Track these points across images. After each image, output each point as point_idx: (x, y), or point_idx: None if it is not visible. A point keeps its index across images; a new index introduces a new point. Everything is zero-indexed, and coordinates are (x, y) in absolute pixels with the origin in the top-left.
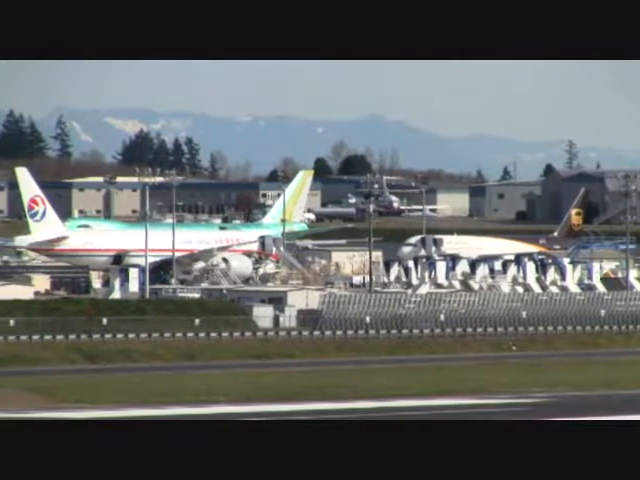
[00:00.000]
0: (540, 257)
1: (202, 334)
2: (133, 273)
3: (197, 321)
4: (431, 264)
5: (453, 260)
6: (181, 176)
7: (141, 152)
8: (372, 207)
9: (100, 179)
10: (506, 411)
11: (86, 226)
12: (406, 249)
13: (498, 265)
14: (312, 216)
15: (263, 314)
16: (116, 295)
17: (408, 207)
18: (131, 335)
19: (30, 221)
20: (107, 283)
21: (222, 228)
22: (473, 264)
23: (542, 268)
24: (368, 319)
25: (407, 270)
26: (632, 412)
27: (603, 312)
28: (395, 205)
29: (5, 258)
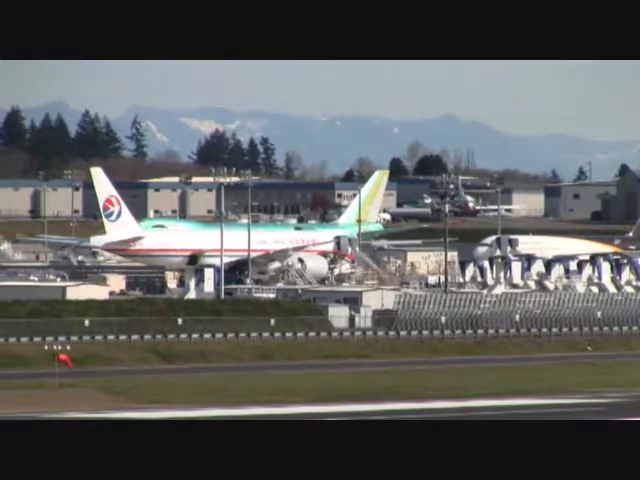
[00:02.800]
0: (615, 257)
1: (277, 334)
2: (208, 273)
3: (272, 321)
4: (506, 264)
5: (528, 260)
6: (256, 176)
7: (217, 152)
8: (447, 207)
9: (175, 179)
10: (581, 411)
11: (161, 226)
12: (481, 249)
13: (573, 265)
14: (388, 216)
15: (338, 314)
16: (191, 295)
17: (483, 207)
18: (206, 335)
19: (105, 221)
20: (182, 283)
21: (298, 228)
22: (548, 264)
23: (617, 268)
24: (443, 319)
25: (482, 270)
26: None
27: None
28: (470, 205)
29: (80, 258)
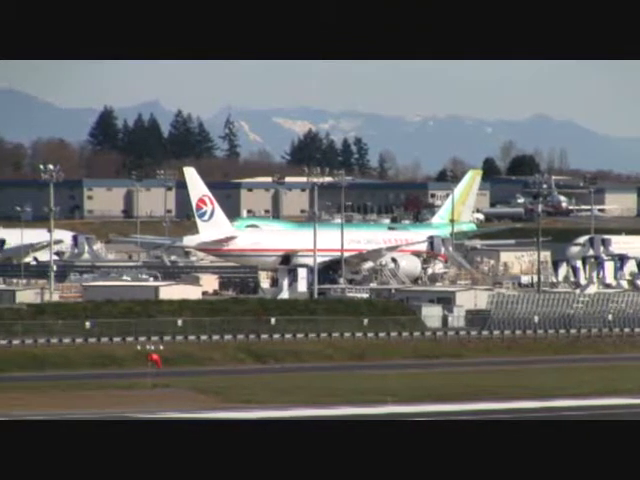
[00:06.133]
0: None
1: (371, 334)
2: (301, 273)
3: (366, 321)
4: (599, 264)
5: (621, 260)
6: (350, 176)
7: (310, 152)
8: (540, 207)
9: (269, 179)
10: None
11: (254, 226)
12: (574, 249)
13: None
14: (481, 216)
15: (432, 314)
16: (284, 295)
17: (576, 207)
18: (299, 335)
19: (198, 221)
20: (275, 283)
21: (391, 228)
22: None
23: None
24: (537, 319)
25: (575, 270)
26: None
27: None
28: (563, 205)
29: (173, 258)
